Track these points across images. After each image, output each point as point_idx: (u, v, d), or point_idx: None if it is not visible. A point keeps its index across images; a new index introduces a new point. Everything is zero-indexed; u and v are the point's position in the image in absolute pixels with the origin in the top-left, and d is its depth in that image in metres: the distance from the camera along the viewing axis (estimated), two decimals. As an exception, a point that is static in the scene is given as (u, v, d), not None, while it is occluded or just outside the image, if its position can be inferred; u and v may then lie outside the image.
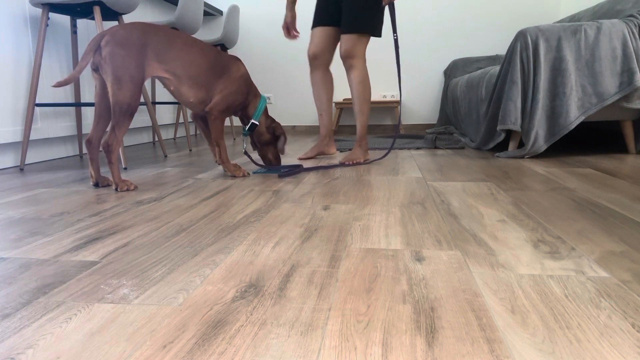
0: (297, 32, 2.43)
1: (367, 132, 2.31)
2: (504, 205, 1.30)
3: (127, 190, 1.64)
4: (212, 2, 4.47)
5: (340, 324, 0.63)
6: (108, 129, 1.64)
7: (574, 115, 2.16)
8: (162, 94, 3.80)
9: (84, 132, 2.78)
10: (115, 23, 3.15)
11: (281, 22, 4.35)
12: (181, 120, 4.23)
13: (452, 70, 3.97)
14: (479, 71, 3.01)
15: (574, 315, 0.64)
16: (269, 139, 1.97)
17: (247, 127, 1.92)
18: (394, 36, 2.22)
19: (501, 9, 4.06)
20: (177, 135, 4.13)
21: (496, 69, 2.64)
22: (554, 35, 2.18)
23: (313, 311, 0.67)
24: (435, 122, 4.28)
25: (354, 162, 2.17)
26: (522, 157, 2.26)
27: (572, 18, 3.18)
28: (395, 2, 2.13)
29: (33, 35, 2.42)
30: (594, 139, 3.08)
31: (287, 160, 2.40)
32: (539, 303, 0.68)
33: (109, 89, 1.55)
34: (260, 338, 0.60)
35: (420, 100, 4.27)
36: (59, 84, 1.52)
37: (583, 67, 2.17)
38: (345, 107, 4.26)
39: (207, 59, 1.75)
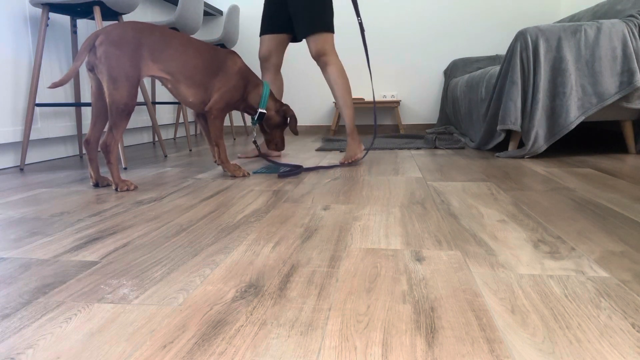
0: None
1: (354, 123, 2.37)
2: (504, 205, 1.30)
3: (127, 190, 1.64)
4: (212, 2, 4.47)
5: (340, 324, 0.63)
6: (106, 129, 1.64)
7: (574, 115, 2.16)
8: (162, 94, 3.80)
9: (83, 132, 2.78)
10: (115, 23, 3.15)
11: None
12: (181, 120, 4.23)
13: (452, 70, 3.97)
14: (479, 71, 3.01)
15: (574, 315, 0.64)
16: (279, 121, 2.00)
17: (257, 117, 1.93)
18: (358, 20, 2.28)
19: (501, 9, 4.06)
20: (177, 135, 4.13)
21: (496, 69, 2.64)
22: (554, 35, 2.18)
23: (313, 311, 0.67)
24: (435, 122, 4.28)
25: (353, 159, 2.19)
26: (522, 157, 2.26)
27: (572, 18, 3.18)
28: None
29: (33, 35, 2.42)
30: (594, 139, 3.08)
31: (288, 160, 2.40)
32: (539, 303, 0.68)
33: (105, 89, 1.55)
34: (260, 338, 0.60)
35: (420, 100, 4.27)
36: (54, 85, 1.51)
37: (583, 67, 2.17)
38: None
39: (203, 59, 1.75)
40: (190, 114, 4.42)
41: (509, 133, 2.47)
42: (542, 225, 1.09)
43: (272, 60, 2.46)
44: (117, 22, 2.34)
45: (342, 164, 2.14)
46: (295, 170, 1.89)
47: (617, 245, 0.94)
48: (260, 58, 2.48)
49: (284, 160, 2.37)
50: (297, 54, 4.37)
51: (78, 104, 2.32)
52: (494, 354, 0.55)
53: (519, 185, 1.58)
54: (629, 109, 2.24)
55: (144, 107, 3.50)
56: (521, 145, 2.68)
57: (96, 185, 1.71)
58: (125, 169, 2.18)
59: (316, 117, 4.45)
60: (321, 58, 2.26)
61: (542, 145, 2.21)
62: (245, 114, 3.96)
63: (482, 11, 4.09)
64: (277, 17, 2.39)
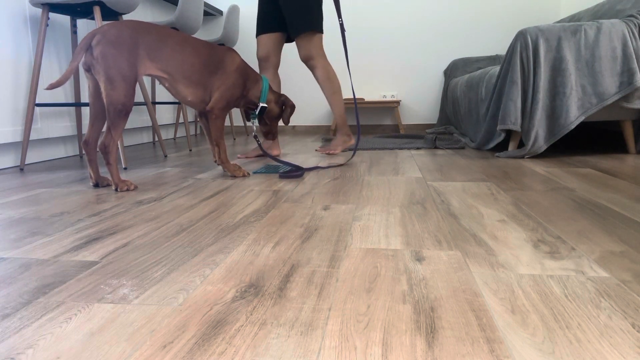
0: None
1: (345, 120, 2.52)
2: (504, 205, 1.30)
3: (127, 190, 1.64)
4: (212, 2, 4.47)
5: (340, 324, 0.63)
6: (104, 129, 1.64)
7: (574, 115, 2.16)
8: (162, 94, 3.80)
9: (83, 132, 2.78)
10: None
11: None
12: (181, 120, 4.23)
13: (452, 70, 3.97)
14: (479, 71, 3.01)
15: (574, 315, 0.64)
16: (279, 112, 2.04)
17: (258, 112, 1.94)
18: (339, 21, 2.34)
19: (501, 9, 4.06)
20: (177, 135, 4.13)
21: (496, 69, 2.64)
22: (554, 35, 2.18)
23: (313, 311, 0.67)
24: (435, 122, 4.28)
25: (329, 152, 2.43)
26: (522, 157, 2.26)
27: (572, 18, 3.18)
28: None
29: (33, 35, 2.42)
30: (594, 139, 3.08)
31: (290, 159, 2.40)
32: (539, 303, 0.68)
33: (102, 90, 1.54)
34: (260, 338, 0.60)
35: (420, 100, 4.27)
36: (51, 86, 1.50)
37: (583, 67, 2.17)
38: (345, 107, 4.26)
39: (200, 57, 1.74)
40: (190, 114, 4.42)
41: (509, 133, 2.47)
42: (542, 225, 1.09)
43: (271, 60, 2.49)
44: (113, 21, 2.34)
45: (318, 150, 2.41)
46: (297, 173, 1.87)
47: (617, 245, 0.94)
48: (258, 58, 2.51)
49: (284, 160, 2.37)
50: (296, 54, 4.36)
51: (78, 104, 2.32)
52: (494, 354, 0.55)
53: (519, 185, 1.58)
54: (629, 109, 2.24)
55: (144, 107, 3.50)
56: (521, 145, 2.68)
57: (96, 185, 1.71)
58: (125, 169, 2.18)
59: (316, 117, 4.45)
60: (308, 62, 2.37)
61: (542, 145, 2.21)
62: (245, 113, 3.96)
63: (482, 11, 4.09)
64: (272, 16, 2.43)
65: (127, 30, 1.57)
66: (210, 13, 4.34)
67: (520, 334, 0.60)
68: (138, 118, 3.38)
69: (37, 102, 2.43)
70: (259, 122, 2.05)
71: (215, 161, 1.93)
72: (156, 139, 3.67)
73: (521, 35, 2.23)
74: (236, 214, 1.26)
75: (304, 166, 2.11)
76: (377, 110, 4.33)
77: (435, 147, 2.77)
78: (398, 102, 4.07)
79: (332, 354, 0.56)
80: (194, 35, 4.40)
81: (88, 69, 1.58)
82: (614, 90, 2.15)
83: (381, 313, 0.66)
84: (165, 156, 2.64)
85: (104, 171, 2.09)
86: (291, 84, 4.43)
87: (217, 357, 0.56)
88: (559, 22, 3.20)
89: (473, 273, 0.80)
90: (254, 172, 1.98)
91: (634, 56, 2.13)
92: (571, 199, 1.35)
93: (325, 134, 4.10)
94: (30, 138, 2.39)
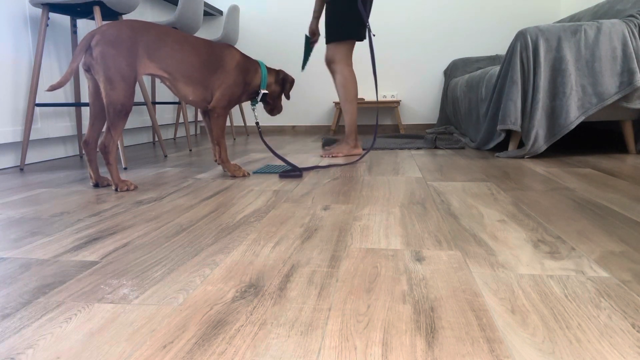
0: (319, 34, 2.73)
1: (355, 129, 2.55)
2: (504, 205, 1.30)
3: (127, 190, 1.64)
4: (212, 2, 4.47)
5: (340, 324, 0.63)
6: (104, 129, 1.64)
7: (574, 115, 2.16)
8: (162, 94, 3.80)
9: (83, 132, 2.78)
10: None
11: (281, 22, 4.36)
12: (181, 120, 4.23)
13: (452, 70, 3.97)
14: (479, 71, 3.01)
15: (574, 315, 0.64)
16: (280, 90, 2.03)
17: (259, 99, 1.94)
18: (367, 25, 2.41)
19: (501, 9, 4.06)
20: (177, 135, 4.13)
21: (496, 69, 2.64)
22: (554, 35, 2.18)
23: (313, 311, 0.67)
24: (435, 122, 4.28)
25: (333, 155, 2.44)
26: (522, 157, 2.26)
27: (572, 18, 3.18)
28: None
29: (33, 35, 2.42)
30: (594, 139, 3.08)
31: (290, 159, 2.40)
32: (539, 303, 0.68)
33: (102, 90, 1.54)
34: (260, 338, 0.60)
35: (420, 100, 4.27)
36: (52, 88, 1.50)
37: (583, 67, 2.17)
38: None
39: (200, 56, 1.73)
40: (190, 115, 4.42)
41: (509, 133, 2.47)
42: (542, 225, 1.09)
43: (332, 65, 2.61)
44: (113, 21, 2.34)
45: (323, 156, 2.43)
46: (297, 172, 1.87)
47: (617, 245, 0.94)
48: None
49: (293, 160, 2.37)
50: (296, 54, 4.37)
51: (78, 104, 2.32)
52: (494, 354, 0.55)
53: (519, 185, 1.58)
54: (629, 109, 2.24)
55: (144, 107, 3.50)
56: (521, 145, 2.68)
57: (96, 185, 1.71)
58: (125, 169, 2.18)
59: (316, 117, 4.45)
60: (330, 66, 2.47)
61: (542, 145, 2.21)
62: (245, 113, 3.97)
63: (482, 11, 4.09)
64: None
65: (126, 30, 1.57)
66: (210, 13, 4.34)
67: (520, 334, 0.60)
68: (138, 118, 3.38)
69: (37, 102, 2.43)
70: (262, 102, 2.06)
71: (216, 160, 1.93)
72: (156, 139, 3.67)
73: (521, 35, 2.23)
74: (236, 214, 1.26)
75: (304, 166, 2.11)
76: (376, 110, 4.32)
77: (435, 147, 2.77)
78: (398, 102, 4.07)
79: (332, 354, 0.56)
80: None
81: (88, 69, 1.58)
82: (614, 90, 2.15)
83: (381, 313, 0.66)
84: (165, 156, 2.64)
85: (104, 171, 2.09)
86: (291, 84, 4.43)
87: (217, 357, 0.56)
88: (559, 22, 3.20)
89: (473, 273, 0.80)
90: (254, 172, 1.98)
91: (634, 56, 2.13)
92: (571, 199, 1.35)
93: (324, 134, 4.10)
94: (30, 138, 2.39)
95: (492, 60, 3.90)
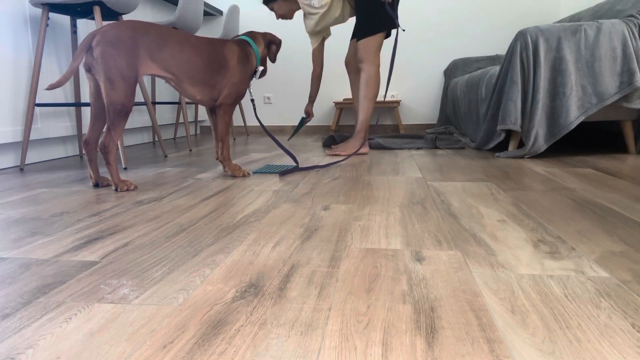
0: None
1: (366, 128, 2.56)
2: (504, 205, 1.30)
3: (127, 190, 1.64)
4: (212, 2, 4.47)
5: (340, 324, 0.63)
6: (104, 129, 1.64)
7: (574, 115, 2.16)
8: (162, 94, 3.80)
9: (83, 132, 2.78)
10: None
11: (281, 21, 4.35)
12: (181, 120, 4.23)
13: (452, 70, 3.97)
14: (479, 71, 3.01)
15: (574, 315, 0.64)
16: (267, 53, 2.05)
17: (258, 76, 1.95)
18: (396, 21, 2.46)
19: (501, 9, 4.06)
20: (177, 135, 4.13)
21: (496, 69, 2.64)
22: (554, 35, 2.18)
23: (313, 311, 0.67)
24: (435, 122, 4.28)
25: (343, 153, 2.46)
26: (522, 157, 2.26)
27: (572, 18, 3.18)
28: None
29: (33, 35, 2.42)
30: (594, 139, 3.08)
31: (299, 157, 2.40)
32: (539, 303, 0.68)
33: (102, 90, 1.54)
34: (260, 338, 0.60)
35: (420, 100, 4.27)
36: (51, 87, 1.50)
37: (583, 67, 2.17)
38: (345, 106, 4.27)
39: (202, 56, 1.73)
40: (190, 115, 4.42)
41: (509, 133, 2.47)
42: (542, 225, 1.09)
43: (350, 64, 2.68)
44: (114, 21, 2.34)
45: (329, 154, 2.46)
46: (295, 165, 1.87)
47: (617, 245, 0.94)
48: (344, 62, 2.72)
49: (282, 161, 2.37)
50: (296, 53, 4.37)
51: (78, 104, 2.32)
52: (494, 354, 0.55)
53: (519, 185, 1.58)
54: (629, 109, 2.24)
55: (144, 107, 3.50)
56: (521, 145, 2.68)
57: (96, 185, 1.71)
58: (125, 169, 2.18)
59: (316, 117, 4.45)
60: (359, 64, 2.50)
61: (542, 145, 2.21)
62: (245, 113, 3.98)
63: (482, 11, 4.09)
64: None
65: (127, 30, 1.57)
66: (210, 13, 4.34)
67: (520, 334, 0.60)
68: (138, 118, 3.38)
69: (37, 102, 2.43)
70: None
71: (217, 158, 1.92)
72: (156, 139, 3.67)
73: (521, 35, 2.23)
74: (236, 214, 1.26)
75: (304, 165, 2.11)
76: (377, 110, 4.32)
77: (435, 147, 2.77)
78: (398, 102, 4.07)
79: (332, 354, 0.56)
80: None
81: (89, 70, 1.58)
82: (614, 90, 2.15)
83: (381, 313, 0.66)
84: (165, 156, 2.64)
85: (104, 171, 2.09)
86: (290, 84, 4.43)
87: (217, 357, 0.56)
88: (559, 22, 3.20)
89: (473, 273, 0.80)
90: (254, 172, 1.98)
91: (634, 56, 2.13)
92: (571, 199, 1.35)
93: (324, 134, 4.10)
94: (30, 138, 2.39)
95: (492, 60, 3.89)
